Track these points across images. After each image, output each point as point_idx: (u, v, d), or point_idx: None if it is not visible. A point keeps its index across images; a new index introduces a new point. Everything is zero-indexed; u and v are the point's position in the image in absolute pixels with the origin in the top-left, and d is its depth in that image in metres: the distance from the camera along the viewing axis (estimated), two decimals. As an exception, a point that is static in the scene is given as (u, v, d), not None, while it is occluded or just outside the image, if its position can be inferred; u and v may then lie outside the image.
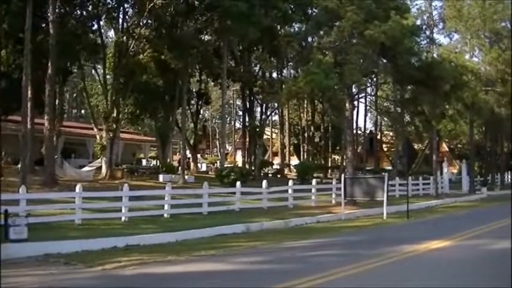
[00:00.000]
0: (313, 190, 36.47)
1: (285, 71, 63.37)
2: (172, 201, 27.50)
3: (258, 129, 55.70)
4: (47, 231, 19.90)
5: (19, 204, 20.90)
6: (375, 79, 61.30)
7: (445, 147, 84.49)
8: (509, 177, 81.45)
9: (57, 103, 42.51)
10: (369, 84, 60.86)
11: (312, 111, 66.14)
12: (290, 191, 34.50)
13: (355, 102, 50.20)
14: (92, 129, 44.52)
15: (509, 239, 18.99)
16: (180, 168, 44.22)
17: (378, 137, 78.83)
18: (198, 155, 68.62)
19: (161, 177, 40.64)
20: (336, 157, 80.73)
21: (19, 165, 31.85)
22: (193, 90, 59.00)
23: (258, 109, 62.54)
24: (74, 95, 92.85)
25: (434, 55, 48.82)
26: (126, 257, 15.96)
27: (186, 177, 42.53)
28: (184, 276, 13.78)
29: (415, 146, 75.35)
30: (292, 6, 47.19)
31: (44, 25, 37.14)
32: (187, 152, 58.88)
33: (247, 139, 59.20)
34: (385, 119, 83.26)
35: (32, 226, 18.72)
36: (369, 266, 14.11)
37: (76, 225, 22.46)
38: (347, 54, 37.64)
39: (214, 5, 40.38)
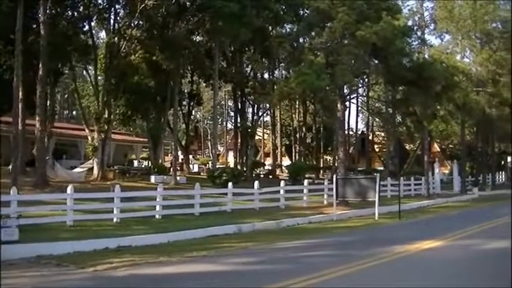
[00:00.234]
0: (305, 191, 36.45)
1: (276, 71, 63.45)
2: (164, 202, 27.47)
3: (249, 130, 55.68)
4: (39, 232, 19.85)
5: (10, 205, 20.81)
6: (366, 80, 61.37)
7: (436, 147, 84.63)
8: (502, 177, 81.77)
9: (48, 104, 42.46)
10: (360, 85, 60.92)
11: (303, 111, 66.19)
12: (282, 191, 34.50)
13: (347, 103, 50.39)
14: (84, 130, 44.45)
15: (501, 239, 19.12)
16: (171, 169, 44.20)
17: (370, 137, 78.84)
18: (190, 156, 68.58)
19: (153, 178, 40.61)
20: (328, 158, 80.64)
21: (10, 167, 31.74)
22: (185, 91, 59.05)
23: (250, 110, 62.51)
24: (66, 96, 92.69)
25: (426, 56, 48.88)
26: (118, 258, 15.93)
27: (177, 178, 42.50)
28: (176, 277, 13.75)
29: (407, 147, 75.19)
30: (283, 7, 47.21)
31: (35, 26, 37.09)
32: (179, 153, 58.88)
33: (239, 140, 59.23)
34: (377, 119, 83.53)
35: (23, 227, 18.69)
36: (361, 266, 14.12)
37: (68, 227, 22.40)
38: (338, 54, 37.66)
39: (206, 5, 40.38)
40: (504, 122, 61.07)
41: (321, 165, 71.86)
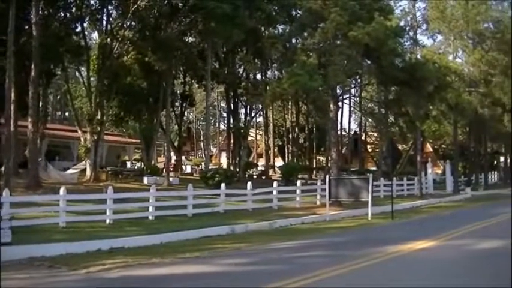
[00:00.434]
0: (298, 191, 36.44)
1: (269, 72, 63.50)
2: (157, 203, 27.42)
3: (242, 131, 55.68)
4: (31, 234, 19.81)
5: (2, 207, 20.73)
6: (359, 80, 61.46)
7: (429, 147, 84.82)
8: (494, 177, 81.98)
9: (40, 105, 42.34)
10: (353, 86, 61.00)
11: (296, 112, 66.19)
12: (275, 192, 34.49)
13: (340, 104, 50.35)
14: (76, 131, 44.32)
15: (494, 239, 19.18)
16: (164, 170, 44.17)
17: (363, 137, 78.98)
18: (183, 157, 68.53)
19: (146, 180, 40.57)
20: (321, 158, 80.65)
21: (2, 168, 31.63)
22: (178, 92, 59.00)
23: (243, 111, 62.53)
24: (58, 97, 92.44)
25: (418, 56, 49.01)
26: (111, 260, 15.90)
27: (170, 179, 42.46)
28: (169, 279, 13.73)
29: (400, 147, 75.45)
30: (276, 8, 47.27)
31: (27, 27, 37.01)
32: (172, 154, 58.81)
33: (232, 141, 59.25)
34: (370, 120, 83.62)
35: (16, 229, 18.61)
36: (354, 266, 14.12)
37: (60, 228, 22.34)
38: (331, 55, 37.72)
39: (198, 6, 40.33)
40: (496, 122, 61.28)
41: (314, 166, 71.86)
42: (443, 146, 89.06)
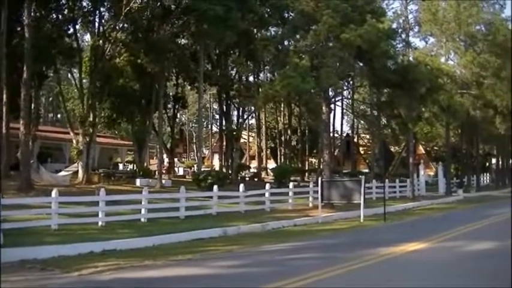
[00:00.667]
0: (290, 193, 36.48)
1: (261, 74, 63.55)
2: (150, 206, 27.36)
3: (234, 133, 55.70)
4: (23, 236, 19.73)
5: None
6: (351, 82, 61.46)
7: (421, 149, 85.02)
8: (486, 179, 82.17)
9: (32, 107, 42.28)
10: (345, 88, 60.97)
11: (288, 114, 66.24)
12: (267, 194, 34.47)
13: (332, 106, 50.29)
14: (68, 133, 44.25)
15: (486, 240, 19.23)
16: (157, 172, 44.15)
17: (355, 140, 79.21)
18: (175, 159, 68.49)
19: (138, 182, 40.55)
20: (313, 160, 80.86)
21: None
22: (170, 94, 58.94)
23: (235, 113, 62.69)
24: (50, 99, 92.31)
25: (410, 58, 49.08)
26: (103, 262, 15.88)
27: (163, 181, 42.42)
28: (161, 281, 13.73)
29: (392, 149, 75.64)
30: (268, 10, 47.28)
31: (19, 29, 36.97)
32: (165, 156, 58.79)
33: (224, 143, 59.28)
34: (362, 122, 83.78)
35: (8, 232, 18.60)
36: (347, 268, 14.14)
37: (52, 231, 22.25)
38: (323, 57, 37.74)
39: (191, 8, 40.36)
40: (488, 124, 61.46)
41: (306, 168, 71.97)
42: (435, 148, 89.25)
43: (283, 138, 67.86)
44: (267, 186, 36.02)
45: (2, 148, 31.60)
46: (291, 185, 38.59)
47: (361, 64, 43.69)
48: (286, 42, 46.42)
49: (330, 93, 43.52)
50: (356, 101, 73.38)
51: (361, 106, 78.42)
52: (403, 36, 55.31)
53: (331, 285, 12.46)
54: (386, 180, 44.52)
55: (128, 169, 59.57)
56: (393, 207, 37.80)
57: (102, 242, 19.35)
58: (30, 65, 33.27)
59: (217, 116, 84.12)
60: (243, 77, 59.97)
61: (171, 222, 26.56)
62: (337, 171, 60.62)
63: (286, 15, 46.98)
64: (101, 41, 42.38)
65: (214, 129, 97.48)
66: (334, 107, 60.50)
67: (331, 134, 59.40)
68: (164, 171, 51.41)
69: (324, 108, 40.08)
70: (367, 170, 69.34)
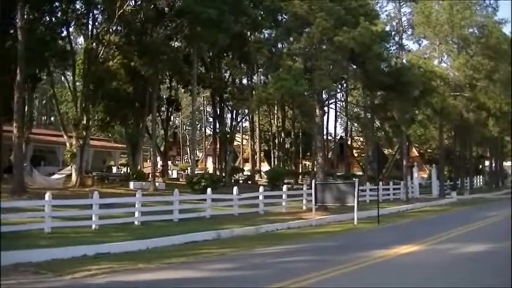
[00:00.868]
0: (284, 196, 36.49)
1: (255, 77, 63.40)
2: (143, 209, 27.32)
3: (228, 136, 55.68)
4: (16, 240, 19.68)
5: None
6: (344, 85, 61.61)
7: (415, 152, 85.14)
8: (479, 181, 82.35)
9: (26, 110, 42.21)
10: (338, 90, 61.17)
11: (282, 117, 66.20)
12: (261, 197, 34.44)
13: (325, 108, 50.38)
14: (62, 136, 44.13)
15: (479, 242, 19.27)
16: (150, 175, 44.10)
17: (348, 142, 79.15)
18: (169, 162, 68.43)
19: (132, 185, 40.46)
20: (307, 163, 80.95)
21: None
22: (164, 97, 58.88)
23: (229, 115, 62.65)
24: (43, 101, 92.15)
25: (404, 61, 49.16)
26: (96, 265, 15.86)
27: (156, 184, 42.38)
28: (155, 284, 13.74)
29: (386, 151, 75.76)
30: (262, 13, 47.23)
31: (12, 31, 36.82)
32: (158, 159, 58.74)
33: (218, 145, 59.27)
34: (356, 124, 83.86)
35: (1, 235, 18.53)
36: (340, 271, 14.17)
37: (46, 234, 22.20)
38: (317, 60, 37.76)
39: (184, 11, 40.34)
40: (481, 126, 61.61)
41: (300, 171, 72.00)
42: (429, 150, 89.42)
43: (276, 141, 67.77)
44: (261, 189, 36.00)
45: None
46: (284, 187, 38.55)
47: (354, 67, 43.75)
48: (279, 45, 46.36)
49: (324, 95, 43.65)
50: (349, 103, 73.54)
51: (355, 109, 78.51)
52: (397, 38, 55.43)
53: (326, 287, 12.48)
54: (380, 182, 44.57)
55: (122, 172, 59.51)
56: (387, 210, 37.86)
57: (95, 245, 19.30)
58: (23, 68, 33.19)
59: (210, 119, 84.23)
60: (236, 80, 59.92)
61: (164, 225, 26.54)
62: (331, 174, 60.67)
63: (279, 17, 46.95)
64: (94, 44, 42.32)
65: (208, 132, 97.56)
66: (328, 110, 60.59)
67: (325, 137, 59.44)
68: (158, 174, 51.35)
69: (317, 110, 40.11)
70: (360, 173, 69.31)
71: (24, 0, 33.38)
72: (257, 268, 15.73)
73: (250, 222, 28.42)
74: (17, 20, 33.70)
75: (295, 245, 21.20)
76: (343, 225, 29.59)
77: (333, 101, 60.27)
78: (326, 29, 35.74)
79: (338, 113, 75.67)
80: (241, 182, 56.44)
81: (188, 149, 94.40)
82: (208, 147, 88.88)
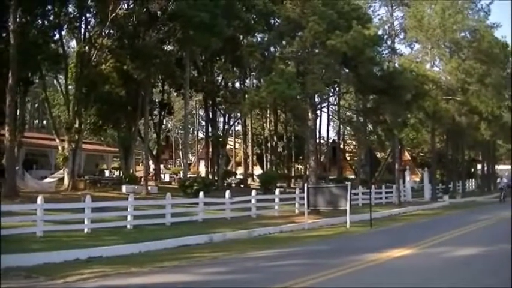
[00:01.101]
0: (277, 200, 36.46)
1: (247, 81, 63.51)
2: (136, 212, 27.25)
3: (221, 139, 55.71)
4: (8, 244, 19.56)
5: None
6: (337, 89, 61.64)
7: (407, 155, 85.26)
8: (472, 184, 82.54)
9: (18, 113, 42.11)
10: (331, 94, 61.15)
11: (274, 121, 66.23)
12: (253, 201, 34.39)
13: (318, 112, 50.38)
14: (54, 140, 44.04)
15: (471, 246, 19.32)
16: (143, 178, 44.06)
17: (341, 146, 79.29)
18: (161, 166, 68.39)
19: (124, 188, 40.43)
20: (299, 166, 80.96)
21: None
22: (156, 100, 58.80)
23: (221, 119, 62.67)
24: (36, 105, 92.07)
25: (396, 65, 49.15)
26: (89, 269, 15.84)
27: (149, 187, 42.32)
28: (148, 288, 13.74)
29: (378, 155, 75.82)
30: (254, 17, 47.20)
31: (4, 34, 36.77)
32: (151, 162, 58.68)
33: (210, 149, 59.22)
34: (348, 128, 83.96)
35: (-8, 239, 18.49)
36: (333, 275, 14.17)
37: (38, 238, 22.12)
38: (309, 64, 37.79)
39: (177, 15, 40.30)
40: (473, 130, 61.75)
41: (292, 174, 72.01)
42: (421, 154, 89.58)
43: (269, 144, 67.80)
44: (253, 192, 35.95)
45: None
46: (277, 191, 38.53)
47: (346, 70, 43.79)
48: (272, 49, 46.35)
49: (316, 99, 43.60)
50: (342, 107, 73.61)
51: (347, 112, 78.62)
52: (389, 42, 55.54)
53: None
54: (373, 186, 44.63)
55: (114, 176, 59.42)
56: (379, 213, 37.89)
57: (87, 249, 19.28)
58: (15, 71, 33.15)
59: (203, 123, 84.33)
60: (229, 84, 59.97)
61: (157, 229, 26.48)
62: (323, 178, 60.68)
63: (272, 21, 46.91)
64: (86, 47, 42.25)
65: (201, 135, 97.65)
66: (320, 113, 60.69)
67: (317, 140, 59.47)
68: (150, 178, 51.31)
69: (309, 114, 40.13)
70: (353, 176, 69.50)
71: (16, 3, 33.35)
72: (250, 272, 15.73)
73: (243, 226, 28.42)
74: (9, 23, 33.66)
75: (288, 249, 21.22)
76: (335, 229, 29.62)
77: (325, 104, 60.29)
78: (318, 33, 35.78)
79: (330, 117, 75.89)
80: (233, 185, 56.49)
81: (181, 152, 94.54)
82: (200, 150, 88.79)
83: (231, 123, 63.77)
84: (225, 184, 53.84)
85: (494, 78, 54.07)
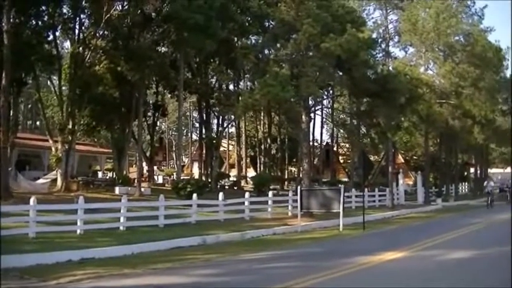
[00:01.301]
0: (270, 202, 36.51)
1: (241, 83, 63.43)
2: (129, 214, 27.25)
3: (214, 141, 55.67)
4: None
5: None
6: (331, 91, 61.69)
7: (400, 158, 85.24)
8: (465, 188, 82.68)
9: (11, 114, 41.99)
10: (325, 97, 61.30)
11: (268, 123, 66.21)
12: (246, 203, 34.44)
13: (312, 115, 50.40)
14: (47, 140, 43.99)
15: (463, 249, 19.35)
16: (136, 180, 44.02)
17: (334, 148, 79.29)
18: (155, 167, 68.30)
19: (117, 190, 40.38)
20: (293, 169, 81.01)
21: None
22: (150, 102, 58.72)
23: (215, 121, 62.60)
24: (29, 106, 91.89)
25: (390, 68, 49.19)
26: (81, 271, 15.81)
27: (142, 189, 42.28)
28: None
29: (371, 158, 75.79)
30: (249, 19, 47.23)
31: (-3, 35, 36.70)
32: (144, 164, 58.61)
33: (204, 151, 59.19)
34: (342, 131, 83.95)
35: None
36: (325, 277, 14.16)
37: (30, 239, 22.09)
38: (303, 66, 37.82)
39: (171, 16, 40.29)
40: (467, 133, 61.81)
41: (286, 177, 72.01)
42: (414, 157, 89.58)
43: (262, 146, 67.78)
44: (247, 194, 36.00)
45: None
46: (270, 193, 38.57)
47: (340, 73, 43.79)
48: (266, 51, 46.35)
49: (310, 102, 43.73)
50: (336, 110, 73.60)
51: (341, 115, 78.55)
52: (383, 46, 55.68)
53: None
54: (366, 189, 44.64)
55: (107, 177, 59.27)
56: (372, 216, 37.92)
57: (80, 251, 19.25)
58: (9, 72, 33.10)
59: (197, 124, 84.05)
60: (223, 86, 59.92)
61: (150, 230, 26.50)
62: (317, 180, 60.73)
63: (266, 24, 46.92)
64: (80, 48, 42.19)
65: (194, 137, 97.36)
66: (314, 116, 60.61)
67: (311, 143, 59.53)
68: (143, 180, 51.24)
69: (303, 117, 40.15)
70: (346, 179, 69.46)
71: (10, 4, 33.30)
72: (243, 274, 15.73)
73: (236, 228, 28.42)
74: (3, 24, 33.65)
75: (281, 251, 21.22)
76: (328, 232, 29.62)
77: (319, 107, 60.31)
78: (313, 36, 35.81)
79: (324, 120, 75.96)
80: (227, 187, 56.45)
81: (174, 154, 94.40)
82: (194, 152, 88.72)
83: (225, 125, 63.82)
84: (219, 186, 53.78)
85: (487, 82, 54.20)
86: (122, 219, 26.67)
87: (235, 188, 57.90)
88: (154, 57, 44.06)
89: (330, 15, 37.14)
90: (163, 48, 48.62)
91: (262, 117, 68.28)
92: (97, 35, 41.93)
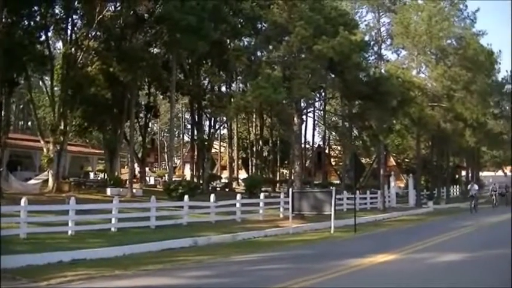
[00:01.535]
0: (261, 204, 36.46)
1: (233, 85, 63.44)
2: (120, 215, 27.20)
3: (206, 143, 55.60)
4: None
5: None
6: (323, 94, 61.79)
7: (392, 161, 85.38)
8: (456, 191, 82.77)
9: (3, 114, 41.88)
10: (317, 99, 61.29)
11: (260, 125, 66.24)
12: (238, 205, 34.39)
13: (304, 117, 50.46)
14: (39, 141, 43.86)
15: (453, 252, 19.40)
16: (128, 181, 43.96)
17: (326, 151, 79.36)
18: (147, 169, 68.22)
19: (109, 191, 40.27)
20: (284, 171, 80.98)
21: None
22: (142, 103, 58.62)
23: (207, 123, 62.50)
24: (21, 106, 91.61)
25: (382, 71, 49.32)
26: (72, 272, 15.79)
27: (134, 190, 42.22)
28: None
29: (363, 160, 75.85)
30: (241, 21, 47.27)
31: (-11, 35, 36.60)
32: (136, 165, 58.51)
33: (196, 153, 59.09)
34: (333, 133, 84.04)
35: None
36: (316, 279, 14.17)
37: (21, 240, 22.02)
38: (295, 68, 37.88)
39: (164, 18, 40.26)
40: (458, 136, 62.02)
41: (278, 179, 71.92)
42: (406, 159, 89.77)
43: (254, 148, 67.80)
44: (238, 196, 35.96)
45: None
46: (262, 195, 38.54)
47: (333, 76, 43.94)
48: (258, 53, 46.37)
49: (302, 104, 43.74)
50: (328, 112, 73.71)
51: (333, 117, 78.69)
52: (375, 48, 55.92)
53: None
54: (357, 191, 44.69)
55: (99, 178, 59.11)
56: (364, 219, 37.93)
57: (71, 252, 19.22)
58: (0, 72, 32.99)
59: (189, 126, 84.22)
60: (215, 87, 59.85)
61: (141, 231, 26.48)
62: (308, 182, 60.73)
63: (259, 26, 46.97)
64: (73, 49, 42.05)
65: (186, 138, 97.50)
66: (306, 118, 60.80)
67: (303, 145, 59.53)
68: (135, 181, 51.14)
69: (295, 119, 40.21)
70: (338, 181, 69.54)
71: (2, 4, 33.21)
72: (234, 276, 15.74)
73: (227, 230, 28.41)
74: (-5, 24, 33.53)
75: (272, 253, 21.23)
76: (320, 234, 29.64)
77: (311, 109, 60.48)
78: (305, 38, 35.87)
79: (316, 122, 76.13)
80: (218, 189, 56.39)
81: (166, 155, 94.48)
82: (186, 154, 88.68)
83: (217, 127, 63.80)
84: (210, 188, 53.70)
85: (479, 86, 54.49)
86: (113, 220, 26.62)
87: (227, 189, 57.88)
88: (147, 59, 43.98)
89: (322, 18, 37.25)
90: (155, 49, 48.55)
91: (254, 119, 68.25)
92: (89, 35, 41.82)
